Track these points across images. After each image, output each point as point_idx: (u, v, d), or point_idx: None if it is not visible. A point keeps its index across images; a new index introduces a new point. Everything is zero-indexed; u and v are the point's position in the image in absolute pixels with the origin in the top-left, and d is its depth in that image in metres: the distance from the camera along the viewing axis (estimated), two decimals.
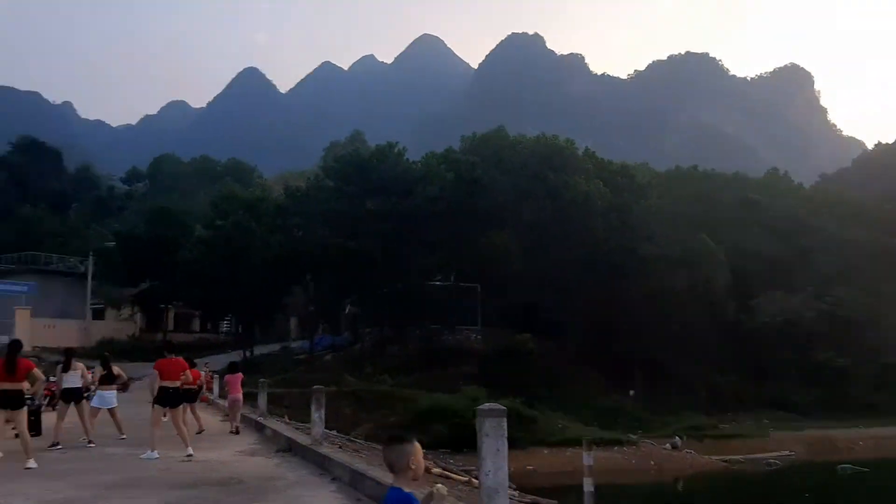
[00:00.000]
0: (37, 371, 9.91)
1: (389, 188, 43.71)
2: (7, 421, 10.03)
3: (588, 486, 9.68)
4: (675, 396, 40.95)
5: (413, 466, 3.17)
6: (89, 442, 12.32)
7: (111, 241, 58.75)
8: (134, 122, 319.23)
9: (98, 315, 57.82)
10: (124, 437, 13.33)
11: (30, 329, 45.77)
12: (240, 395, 16.08)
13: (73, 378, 12.48)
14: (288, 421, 19.72)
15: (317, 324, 49.74)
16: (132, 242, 53.76)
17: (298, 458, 10.67)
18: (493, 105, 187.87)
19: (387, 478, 7.66)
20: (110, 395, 13.23)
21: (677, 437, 32.27)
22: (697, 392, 42.67)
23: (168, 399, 11.04)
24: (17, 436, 10.17)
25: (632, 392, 40.31)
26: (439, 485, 3.24)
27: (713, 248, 46.01)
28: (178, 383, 11.22)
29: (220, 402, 22.28)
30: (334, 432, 24.34)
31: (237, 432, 15.32)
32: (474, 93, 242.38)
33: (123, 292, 57.67)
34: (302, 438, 11.96)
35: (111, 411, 13.33)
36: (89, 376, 12.97)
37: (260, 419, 15.95)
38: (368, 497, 7.46)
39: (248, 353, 45.60)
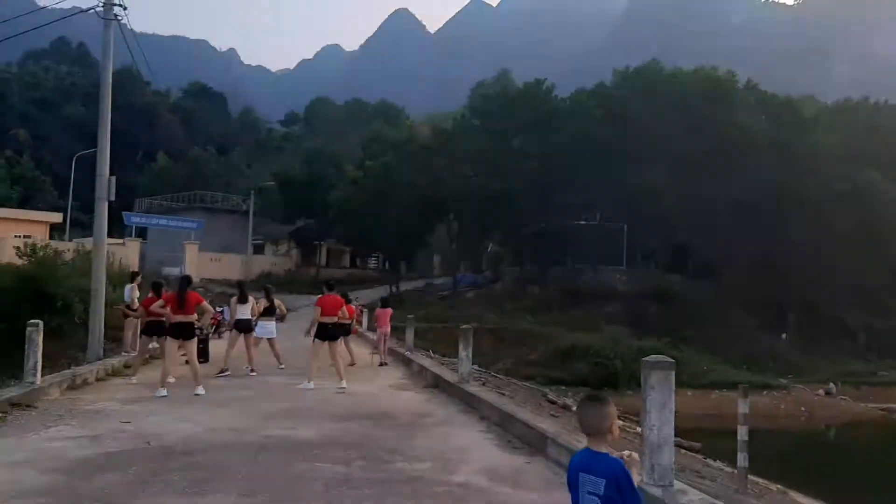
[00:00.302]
0: (205, 304, 10.55)
1: (536, 126, 42.95)
2: (179, 349, 10.76)
3: (742, 434, 9.10)
4: (831, 341, 38.56)
5: (614, 431, 2.87)
6: (252, 371, 13.06)
7: (271, 182, 61.73)
8: (292, 66, 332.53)
9: (258, 250, 61.33)
10: (282, 366, 14.01)
11: (197, 262, 49.25)
12: (388, 330, 16.58)
13: (246, 309, 13.26)
14: (432, 356, 20.11)
15: (459, 262, 50.29)
16: (290, 182, 56.24)
17: (446, 395, 10.78)
18: (648, 39, 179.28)
19: (536, 420, 7.56)
20: (271, 326, 13.90)
21: (832, 384, 30.52)
22: (855, 337, 39.92)
23: (327, 334, 11.47)
24: (187, 362, 10.91)
25: (784, 335, 38.27)
26: (629, 451, 2.96)
27: (884, 186, 42.12)
28: (335, 319, 11.59)
29: (369, 334, 23.02)
30: (475, 366, 24.73)
31: (385, 364, 15.96)
32: (627, 27, 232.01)
33: (281, 229, 60.79)
34: (448, 375, 12.07)
35: (270, 342, 14.02)
36: (257, 308, 13.69)
37: (407, 353, 16.30)
38: (518, 439, 7.37)
39: (393, 289, 46.94)
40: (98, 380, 11.78)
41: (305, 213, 56.30)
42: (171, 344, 10.47)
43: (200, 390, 10.20)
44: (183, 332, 10.29)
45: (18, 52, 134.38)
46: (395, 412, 9.01)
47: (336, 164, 56.03)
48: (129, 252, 44.38)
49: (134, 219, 50.51)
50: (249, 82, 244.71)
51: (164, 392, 9.95)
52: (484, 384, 12.42)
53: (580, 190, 42.02)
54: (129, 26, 14.73)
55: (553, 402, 20.50)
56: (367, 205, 45.49)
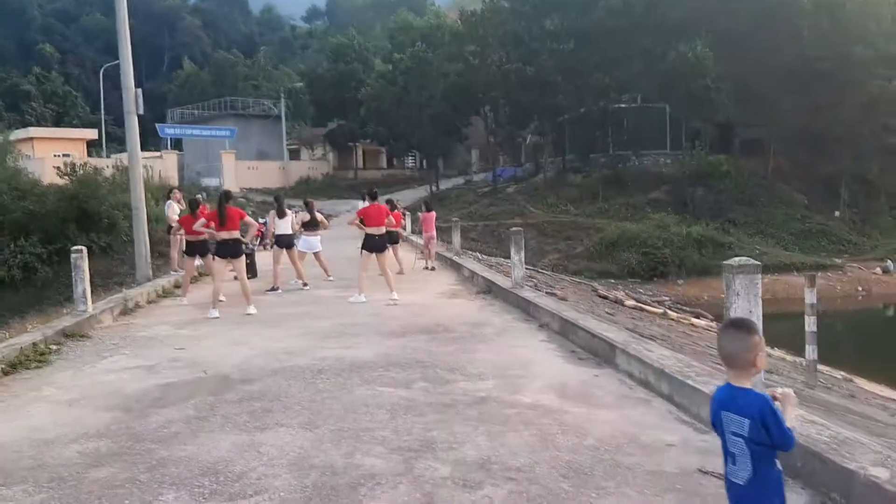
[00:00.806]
0: (248, 218, 10.29)
1: (569, 4, 40.90)
2: (227, 267, 10.59)
3: (810, 325, 8.66)
4: (887, 216, 37.28)
5: (758, 363, 2.46)
6: (304, 284, 12.95)
7: (298, 82, 60.61)
8: None
9: (294, 155, 61.00)
10: (331, 278, 13.87)
11: (234, 171, 49.25)
12: (434, 233, 16.37)
13: (286, 224, 13.00)
14: (480, 258, 19.87)
15: (498, 155, 49.36)
16: (317, 80, 55.10)
17: (500, 302, 10.50)
18: None
19: (600, 328, 7.22)
20: (315, 240, 13.69)
21: (889, 261, 29.67)
22: None
23: (374, 245, 11.15)
24: (236, 279, 10.75)
25: (837, 213, 37.08)
26: (784, 388, 2.55)
27: None
28: (382, 229, 11.24)
29: (414, 238, 22.82)
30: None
31: (433, 269, 15.90)
32: None
33: (315, 132, 60.15)
34: (501, 280, 11.77)
35: (316, 255, 13.85)
36: (297, 222, 13.44)
37: (455, 258, 16.03)
38: (583, 349, 7.06)
39: (433, 188, 46.50)
40: (149, 302, 11.76)
41: (338, 114, 55.48)
42: (218, 263, 10.28)
43: (252, 309, 10.06)
44: (230, 250, 10.07)
45: None
46: (451, 323, 8.75)
47: (363, 60, 54.59)
48: (167, 164, 44.56)
49: (168, 130, 50.30)
50: None
51: (215, 313, 9.84)
52: (536, 286, 12.09)
53: (618, 71, 40.29)
54: None
55: (605, 297, 20.28)
56: (399, 100, 44.50)
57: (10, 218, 23.78)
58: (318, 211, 13.90)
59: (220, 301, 10.64)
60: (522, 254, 10.41)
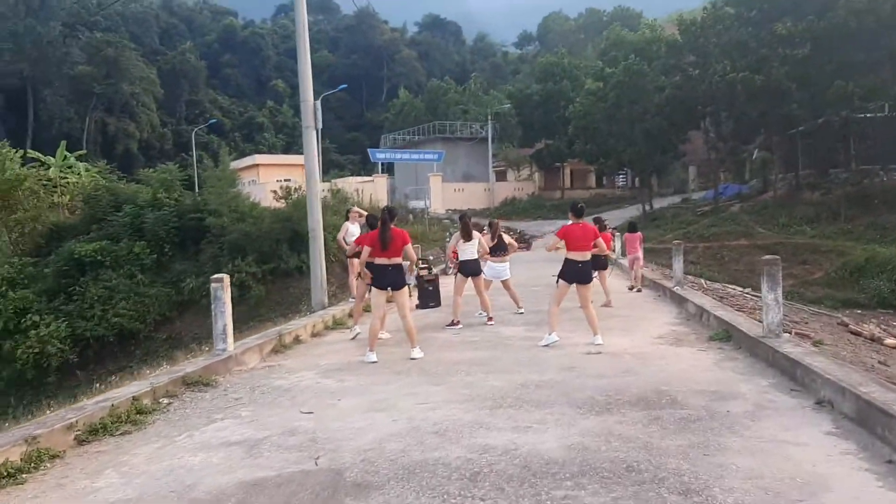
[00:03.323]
0: (411, 246, 8.35)
1: (802, 6, 36.06)
2: (388, 300, 8.76)
3: None
4: None
5: None
6: (489, 319, 10.89)
7: (506, 104, 59.74)
8: None
9: (500, 177, 60.21)
10: (521, 310, 11.73)
11: (441, 193, 49.00)
12: (640, 254, 15.52)
13: (471, 249, 10.92)
14: (707, 287, 16.70)
15: (719, 172, 44.85)
16: (525, 101, 53.89)
17: (746, 356, 7.69)
18: None
19: None
20: (502, 267, 11.61)
21: None
22: None
23: (576, 274, 8.79)
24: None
25: None
26: None
27: None
28: (588, 255, 8.85)
29: (623, 261, 20.09)
30: (747, 291, 20.88)
31: (639, 290, 15.00)
32: None
33: (521, 153, 58.92)
34: (742, 321, 8.91)
35: (504, 283, 11.76)
36: (486, 246, 11.27)
37: (676, 289, 13.15)
38: None
39: (646, 207, 43.09)
40: (314, 335, 10.26)
41: (545, 134, 53.77)
42: (377, 295, 8.41)
43: (417, 353, 8.13)
44: (390, 279, 8.20)
45: (271, 9, 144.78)
46: (678, 390, 6.17)
47: (572, 78, 52.43)
48: (377, 188, 45.13)
49: (378, 155, 51.16)
50: (482, 9, 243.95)
51: (373, 357, 8.01)
52: (795, 335, 9.05)
53: (862, 76, 34.80)
54: None
55: (857, 334, 16.54)
56: (609, 116, 41.81)
57: (229, 239, 24.63)
58: (515, 232, 11.72)
59: (382, 338, 8.88)
60: (779, 291, 7.51)
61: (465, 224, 11.05)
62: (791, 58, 35.25)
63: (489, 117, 57.95)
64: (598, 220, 13.24)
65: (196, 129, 63.76)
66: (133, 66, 75.84)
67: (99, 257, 25.49)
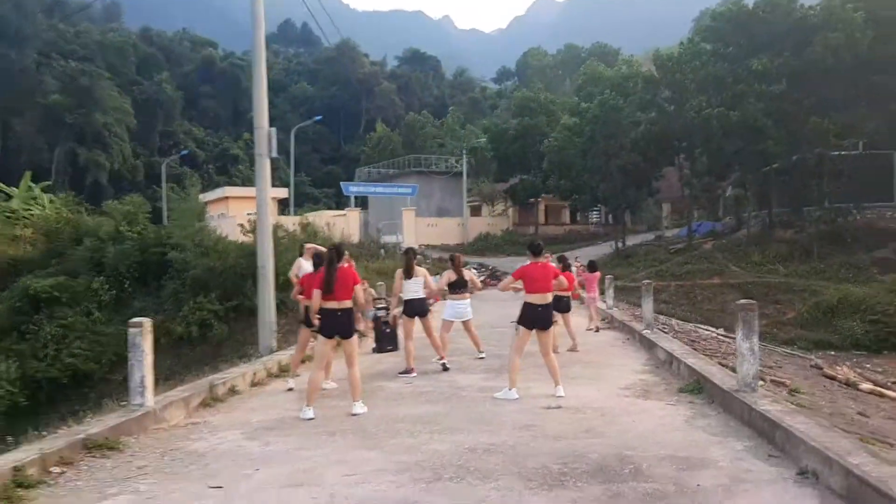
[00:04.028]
0: (360, 289, 7.58)
1: (779, 43, 36.19)
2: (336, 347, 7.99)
3: None
4: None
5: None
6: (443, 365, 10.11)
7: (481, 139, 59.57)
8: (504, 25, 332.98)
9: (475, 212, 59.79)
10: (482, 354, 11.00)
11: (414, 228, 48.36)
12: (596, 294, 15.62)
13: (415, 287, 10.10)
14: (678, 329, 16.09)
15: (693, 208, 44.72)
16: (500, 136, 53.73)
17: (719, 411, 7.02)
18: None
19: None
20: (463, 305, 10.75)
21: None
22: None
23: (536, 318, 8.06)
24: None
25: None
26: None
27: None
28: (548, 297, 8.14)
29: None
30: (720, 332, 20.30)
31: (597, 330, 14.84)
32: None
33: (496, 188, 58.58)
34: (715, 371, 8.24)
35: (465, 324, 10.97)
36: (433, 283, 10.48)
37: (646, 332, 12.50)
38: None
39: (619, 244, 42.73)
40: (254, 384, 9.42)
41: (520, 169, 53.56)
42: (322, 344, 7.59)
43: (359, 408, 7.34)
44: (338, 326, 7.42)
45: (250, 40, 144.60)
46: (643, 457, 5.45)
47: (548, 112, 52.41)
48: (349, 222, 44.40)
49: (351, 188, 50.58)
50: (464, 46, 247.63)
51: (310, 413, 7.20)
52: (769, 381, 8.39)
53: (838, 113, 34.89)
54: None
55: (832, 378, 16.04)
56: (584, 151, 41.65)
57: (192, 274, 23.66)
58: (486, 269, 10.98)
59: (326, 389, 8.21)
60: (755, 340, 6.86)
61: (408, 259, 10.25)
62: (767, 94, 35.28)
63: (464, 151, 57.68)
64: (561, 259, 12.63)
65: (167, 161, 62.82)
66: (107, 95, 74.91)
67: (55, 293, 24.41)
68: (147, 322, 7.11)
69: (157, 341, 21.31)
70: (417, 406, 7.70)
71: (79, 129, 72.61)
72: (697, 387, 8.09)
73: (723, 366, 9.67)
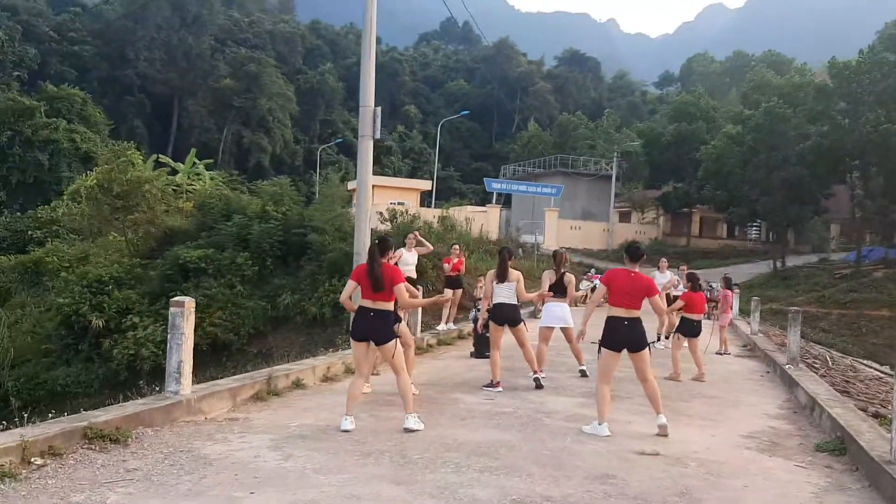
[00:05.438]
0: (403, 286, 6.48)
1: None
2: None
3: None
4: None
5: None
6: (536, 381, 8.84)
7: (635, 142, 56.94)
8: (672, 31, 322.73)
9: (624, 218, 57.36)
10: (583, 367, 9.69)
11: (556, 229, 46.87)
12: (730, 315, 14.76)
13: (508, 291, 8.76)
14: (831, 366, 13.86)
15: (864, 232, 40.31)
16: (655, 140, 51.05)
17: (862, 483, 5.39)
18: None
19: None
20: (562, 310, 9.37)
21: None
22: None
23: (624, 339, 6.63)
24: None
25: None
26: None
27: None
28: (636, 314, 6.65)
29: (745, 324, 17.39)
30: (888, 368, 17.63)
31: (728, 353, 13.72)
32: None
33: (647, 195, 55.88)
34: (866, 432, 6.50)
35: (565, 332, 9.61)
36: (525, 292, 9.03)
37: (789, 368, 10.63)
38: None
39: (778, 264, 39.21)
40: (326, 379, 8.64)
41: (674, 177, 50.61)
42: (357, 347, 6.51)
43: (412, 423, 6.28)
44: (375, 328, 6.36)
45: (415, 37, 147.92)
46: None
47: (709, 119, 49.14)
48: (489, 219, 43.64)
49: (494, 185, 49.68)
50: (627, 50, 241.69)
51: (347, 424, 6.21)
52: None
53: None
54: None
55: None
56: (744, 161, 38.54)
57: (329, 257, 23.94)
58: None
59: (366, 393, 7.30)
60: None
61: (502, 260, 8.91)
62: None
63: (616, 154, 55.29)
64: (691, 278, 11.06)
65: (322, 148, 64.77)
66: (272, 82, 78.47)
67: (202, 265, 25.42)
68: (189, 302, 6.43)
69: (292, 318, 21.70)
70: (484, 430, 6.54)
71: (245, 112, 76.56)
72: (840, 445, 6.41)
73: (878, 417, 7.84)
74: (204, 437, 5.77)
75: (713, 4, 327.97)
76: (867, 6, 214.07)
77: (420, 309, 12.52)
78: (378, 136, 11.01)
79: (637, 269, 6.76)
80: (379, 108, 10.97)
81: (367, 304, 6.37)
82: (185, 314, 6.33)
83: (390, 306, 6.41)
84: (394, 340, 6.37)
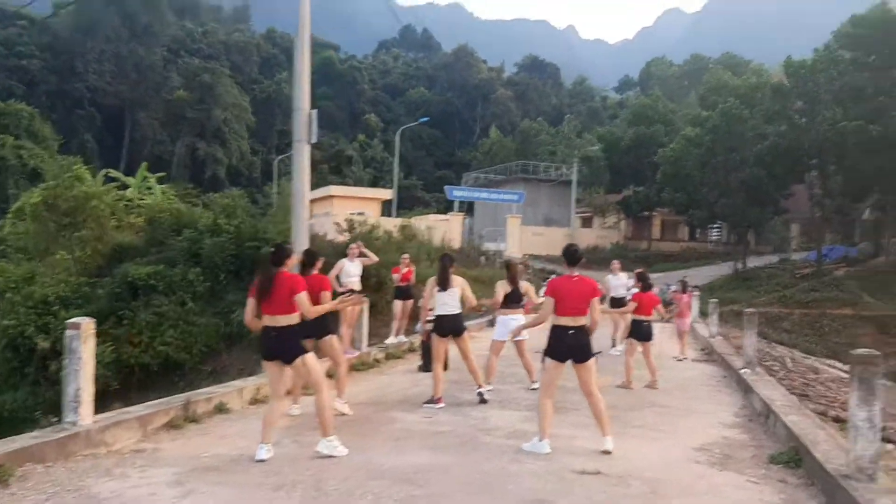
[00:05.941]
0: (302, 296, 5.86)
1: None
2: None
3: None
4: None
5: None
6: (480, 396, 8.38)
7: (594, 147, 57.07)
8: (630, 36, 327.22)
9: (586, 223, 57.42)
10: (535, 384, 9.15)
11: (519, 236, 46.57)
12: (689, 320, 14.49)
13: (451, 299, 8.29)
14: (791, 362, 13.62)
15: (824, 231, 40.69)
16: (615, 145, 51.17)
17: (818, 501, 5.03)
18: None
19: None
20: (515, 322, 8.87)
21: None
22: None
23: (568, 348, 6.17)
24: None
25: None
26: None
27: None
28: (582, 321, 6.23)
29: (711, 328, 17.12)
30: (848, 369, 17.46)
31: (685, 359, 13.48)
32: None
33: (608, 199, 56.00)
34: (823, 441, 6.12)
35: (518, 346, 9.22)
36: (473, 298, 8.61)
37: (744, 372, 10.30)
38: None
39: (739, 265, 39.36)
40: (254, 402, 8.06)
41: (634, 181, 50.73)
42: (270, 367, 5.94)
43: (326, 447, 5.73)
44: (279, 346, 5.82)
45: (374, 45, 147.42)
46: None
47: (667, 122, 49.38)
48: (452, 227, 43.11)
49: (455, 192, 49.35)
50: (587, 56, 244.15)
51: (263, 453, 5.65)
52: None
53: None
54: None
55: None
56: (702, 163, 38.70)
57: None
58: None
59: (293, 414, 6.87)
60: (878, 407, 4.84)
61: (443, 267, 8.42)
62: None
63: (576, 160, 55.35)
64: (641, 277, 10.64)
65: (280, 158, 63.81)
66: (227, 92, 77.28)
67: (153, 281, 24.56)
68: (88, 323, 5.85)
69: (246, 335, 20.95)
70: (417, 453, 6.03)
71: (199, 124, 75.22)
72: (795, 457, 6.03)
73: (839, 421, 7.50)
74: (100, 473, 5.19)
75: (670, 10, 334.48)
76: (822, 7, 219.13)
77: (365, 322, 12.00)
78: (314, 139, 10.50)
79: (577, 273, 6.33)
80: (315, 112, 10.47)
81: (267, 320, 5.80)
82: (82, 336, 5.74)
83: (293, 319, 5.82)
84: (301, 357, 5.81)
